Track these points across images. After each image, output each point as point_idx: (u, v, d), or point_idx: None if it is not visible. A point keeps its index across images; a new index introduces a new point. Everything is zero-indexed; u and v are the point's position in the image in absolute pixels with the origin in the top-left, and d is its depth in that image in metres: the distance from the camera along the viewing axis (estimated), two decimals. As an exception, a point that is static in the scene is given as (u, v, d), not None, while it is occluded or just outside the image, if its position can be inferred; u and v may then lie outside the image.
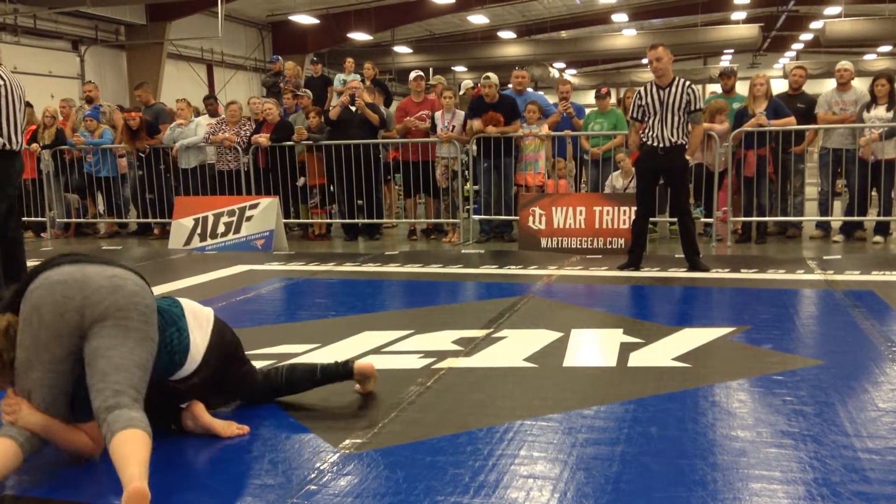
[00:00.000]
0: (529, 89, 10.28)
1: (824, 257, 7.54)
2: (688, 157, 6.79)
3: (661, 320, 5.07)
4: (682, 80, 6.68)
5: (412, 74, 10.04)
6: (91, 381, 2.68)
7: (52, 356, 2.73)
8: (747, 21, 28.76)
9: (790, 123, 8.44)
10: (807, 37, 32.04)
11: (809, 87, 9.32)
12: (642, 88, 6.88)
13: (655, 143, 6.69)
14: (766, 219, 8.72)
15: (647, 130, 6.76)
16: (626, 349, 4.35)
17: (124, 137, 10.34)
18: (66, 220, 10.98)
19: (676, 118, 6.62)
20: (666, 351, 4.32)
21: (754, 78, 8.75)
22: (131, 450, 2.49)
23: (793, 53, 36.95)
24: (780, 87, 11.03)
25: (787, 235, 9.04)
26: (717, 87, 9.95)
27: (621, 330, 4.79)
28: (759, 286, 6.22)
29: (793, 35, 32.97)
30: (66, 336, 2.73)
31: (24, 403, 2.73)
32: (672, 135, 6.63)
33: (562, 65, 34.89)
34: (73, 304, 2.73)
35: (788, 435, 3.07)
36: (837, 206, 9.43)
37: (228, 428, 3.17)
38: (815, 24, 28.02)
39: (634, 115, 6.92)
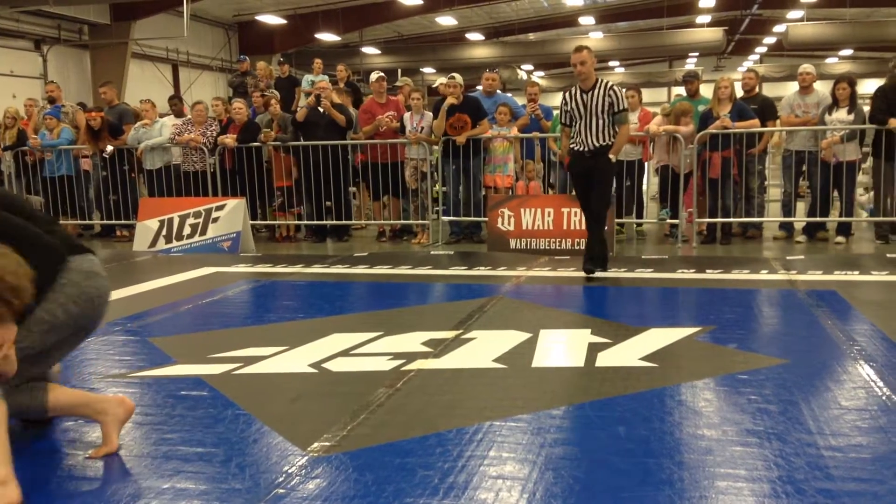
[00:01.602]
0: (499, 91, 10.31)
1: (787, 258, 7.65)
2: (611, 156, 6.58)
3: (628, 320, 5.11)
4: (604, 82, 6.60)
5: (374, 76, 10.01)
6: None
7: (64, 336, 2.97)
8: (712, 24, 29.12)
9: (754, 125, 8.56)
10: (770, 40, 32.57)
11: (772, 90, 9.46)
12: (567, 93, 6.77)
13: (582, 148, 6.60)
14: (731, 220, 8.83)
15: (574, 135, 6.69)
16: (593, 349, 4.38)
17: (86, 137, 10.19)
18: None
19: (601, 121, 6.52)
20: (633, 351, 4.35)
21: (718, 81, 8.86)
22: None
23: (756, 57, 37.54)
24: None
25: (747, 236, 9.15)
26: (682, 90, 10.04)
27: (589, 330, 4.82)
28: (723, 286, 6.29)
29: (756, 38, 33.49)
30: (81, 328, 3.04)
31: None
32: (597, 139, 6.54)
33: (529, 67, 35.08)
34: (105, 309, 3.11)
35: (753, 433, 3.11)
36: (801, 207, 9.58)
37: None
38: (779, 28, 28.49)
39: (563, 121, 6.86)
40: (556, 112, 10.06)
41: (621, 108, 6.55)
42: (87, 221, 10.79)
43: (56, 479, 2.80)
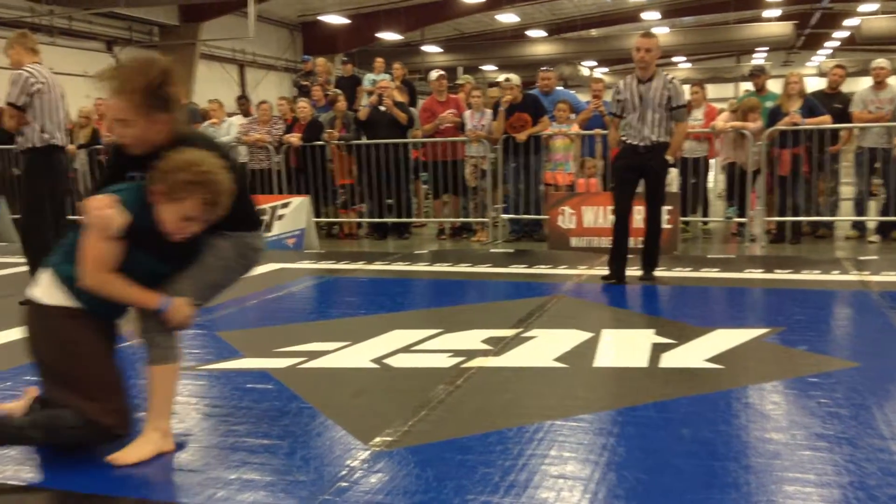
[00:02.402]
0: (559, 88, 10.24)
1: (860, 258, 7.43)
2: (668, 158, 6.30)
3: (693, 321, 5.02)
4: (664, 74, 6.27)
5: (434, 74, 10.04)
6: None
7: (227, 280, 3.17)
8: (781, 18, 28.38)
9: (825, 122, 8.32)
10: (842, 34, 31.55)
11: (844, 86, 9.18)
12: (621, 82, 6.41)
13: (636, 141, 6.23)
14: (801, 219, 8.61)
15: (626, 127, 6.34)
16: (657, 350, 4.32)
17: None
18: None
19: (658, 114, 6.16)
20: (698, 352, 4.28)
21: (788, 76, 8.64)
22: None
23: (827, 51, 36.43)
24: (814, 85, 10.88)
25: (818, 235, 8.91)
26: (749, 86, 9.82)
27: (653, 330, 4.76)
28: (793, 287, 6.14)
29: (827, 32, 32.49)
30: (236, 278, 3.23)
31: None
32: (652, 132, 6.16)
33: (592, 63, 34.73)
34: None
35: (823, 437, 3.03)
36: (873, 206, 9.28)
37: None
38: (851, 22, 27.58)
39: (613, 111, 6.51)
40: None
41: (680, 103, 6.24)
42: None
43: (122, 467, 2.88)
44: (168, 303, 2.90)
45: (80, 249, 2.80)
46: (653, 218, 6.40)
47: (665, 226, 8.01)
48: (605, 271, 6.51)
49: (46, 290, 2.88)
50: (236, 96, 12.70)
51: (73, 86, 17.35)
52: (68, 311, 2.85)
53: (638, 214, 7.98)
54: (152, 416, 2.96)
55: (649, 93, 6.16)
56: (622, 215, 6.39)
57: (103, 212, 2.77)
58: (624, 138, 6.37)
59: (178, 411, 3.47)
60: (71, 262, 2.84)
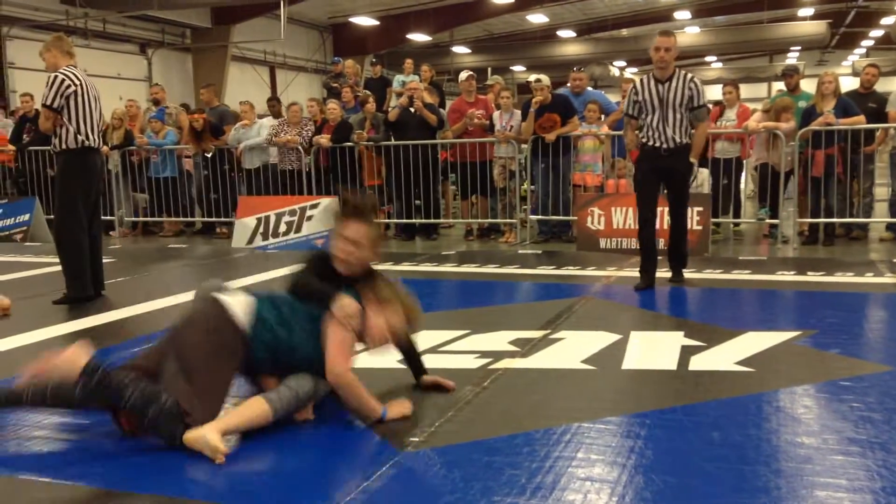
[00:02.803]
0: (589, 88, 10.20)
1: (894, 260, 7.30)
2: (692, 160, 6.11)
3: (723, 323, 4.97)
4: (683, 73, 6.02)
5: (463, 74, 10.04)
6: None
7: None
8: (815, 17, 28.01)
9: (859, 122, 8.19)
10: (877, 33, 31.07)
11: (879, 85, 9.03)
12: (638, 82, 6.17)
13: (658, 144, 6.03)
14: (834, 220, 8.49)
15: (645, 129, 6.12)
16: (687, 352, 4.28)
17: (189, 138, 10.60)
18: (133, 218, 11.30)
19: (678, 115, 5.96)
20: (728, 355, 4.23)
21: (822, 76, 8.53)
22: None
23: (862, 50, 35.89)
24: (848, 84, 10.72)
25: (852, 237, 8.78)
26: (782, 85, 9.70)
27: (682, 333, 4.72)
28: (826, 289, 6.05)
29: (862, 31, 32.02)
30: None
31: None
32: (675, 134, 5.97)
33: (622, 63, 34.52)
34: None
35: (855, 442, 2.99)
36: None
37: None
38: (886, 20, 27.16)
39: (630, 112, 6.24)
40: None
41: (700, 103, 6.01)
42: (189, 219, 11.23)
43: (160, 465, 2.92)
44: (385, 413, 3.25)
45: (331, 341, 3.25)
46: (679, 219, 6.27)
47: (696, 227, 7.97)
48: (634, 272, 6.44)
49: (240, 306, 3.21)
50: (267, 98, 12.80)
51: (107, 87, 17.65)
52: (242, 333, 3.17)
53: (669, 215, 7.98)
54: (226, 419, 3.08)
55: (669, 93, 5.97)
56: (648, 221, 6.19)
57: (352, 309, 3.28)
58: (644, 140, 6.17)
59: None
60: (272, 306, 3.27)
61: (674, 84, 5.97)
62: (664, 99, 5.97)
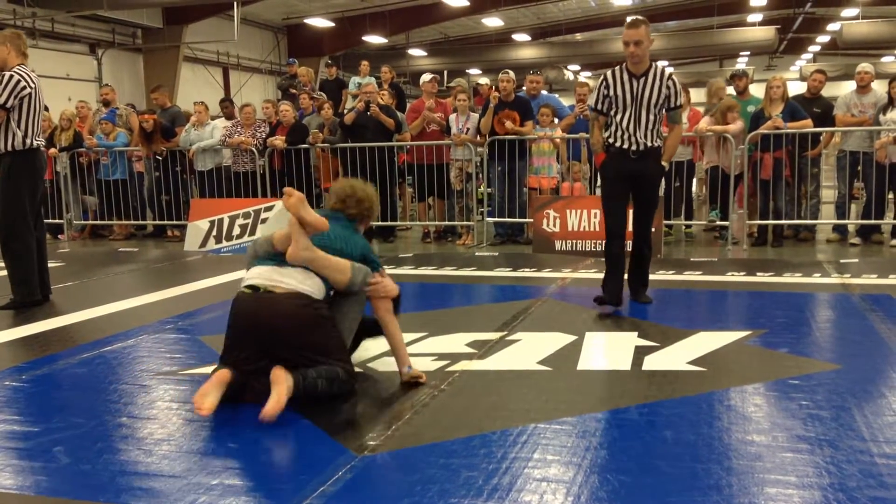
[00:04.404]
0: (543, 92, 10.28)
1: (841, 261, 7.49)
2: (664, 164, 5.54)
3: (676, 324, 5.04)
4: (661, 69, 5.39)
5: (427, 76, 10.04)
6: None
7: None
8: (763, 23, 28.60)
9: (807, 126, 8.39)
10: (824, 39, 31.85)
11: (826, 90, 9.26)
12: (609, 74, 5.46)
13: (627, 146, 5.41)
14: (783, 222, 8.67)
15: (613, 128, 5.47)
16: (640, 352, 4.33)
17: (140, 140, 10.42)
18: (82, 221, 11.07)
19: (653, 116, 5.35)
20: (681, 354, 4.29)
21: (770, 80, 8.70)
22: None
23: (809, 56, 36.75)
24: (796, 89, 10.96)
25: (800, 238, 8.98)
26: (731, 90, 9.89)
27: (636, 333, 4.78)
28: (775, 290, 6.18)
29: (810, 37, 32.78)
30: None
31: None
32: (646, 136, 5.37)
33: (576, 67, 34.84)
34: None
35: (804, 440, 3.05)
36: (855, 209, 9.35)
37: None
38: (833, 26, 27.84)
39: (598, 107, 5.53)
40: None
41: (678, 103, 5.44)
42: (140, 222, 11.03)
43: (108, 473, 2.87)
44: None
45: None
46: (644, 229, 5.65)
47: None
48: (590, 274, 6.45)
49: (311, 288, 3.62)
50: (220, 99, 12.64)
51: (55, 88, 17.30)
52: (327, 303, 3.72)
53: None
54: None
55: (645, 90, 5.34)
56: (617, 232, 5.50)
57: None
58: (611, 141, 5.52)
59: (159, 416, 3.46)
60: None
61: (650, 80, 5.34)
62: (638, 96, 5.34)
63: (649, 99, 5.34)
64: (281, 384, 3.30)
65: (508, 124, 8.96)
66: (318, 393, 3.46)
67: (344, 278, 3.69)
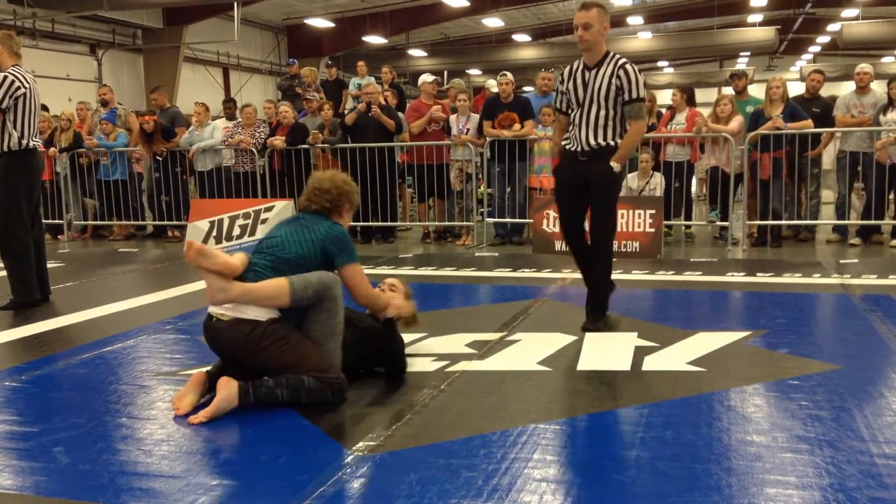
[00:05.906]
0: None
1: (841, 261, 7.49)
2: (613, 165, 4.76)
3: (676, 324, 5.04)
4: (614, 59, 4.74)
5: (428, 77, 10.04)
6: None
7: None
8: (764, 24, 28.62)
9: (807, 126, 8.39)
10: (824, 39, 31.87)
11: (826, 90, 9.26)
12: (567, 69, 4.94)
13: (574, 146, 4.85)
14: (782, 222, 8.67)
15: (569, 127, 4.94)
16: (640, 353, 4.33)
17: (140, 141, 10.42)
18: (82, 222, 11.07)
19: (603, 111, 4.73)
20: (681, 355, 4.30)
21: (770, 81, 8.70)
22: None
23: (810, 56, 36.77)
24: (796, 89, 10.96)
25: (799, 239, 8.98)
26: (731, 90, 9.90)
27: (636, 333, 4.78)
28: (775, 290, 6.18)
29: (810, 38, 32.80)
30: None
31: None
32: (594, 135, 4.76)
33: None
34: None
35: (804, 440, 3.05)
36: (855, 209, 9.35)
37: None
38: (833, 27, 27.86)
39: (558, 106, 5.07)
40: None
41: (633, 96, 4.70)
42: (140, 222, 11.03)
43: (108, 473, 2.87)
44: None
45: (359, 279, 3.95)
46: (597, 244, 4.95)
47: (648, 230, 8.07)
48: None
49: (257, 311, 3.51)
50: (222, 100, 12.65)
51: (56, 89, 17.32)
52: (275, 320, 3.53)
53: (622, 218, 8.06)
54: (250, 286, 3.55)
55: (595, 82, 4.74)
56: (573, 238, 5.05)
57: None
58: (565, 143, 4.98)
59: (159, 417, 3.46)
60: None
61: (602, 70, 4.74)
62: (589, 88, 4.77)
63: (597, 91, 4.73)
64: (221, 391, 3.40)
65: (504, 133, 8.96)
66: (281, 402, 3.43)
67: (283, 300, 3.50)
